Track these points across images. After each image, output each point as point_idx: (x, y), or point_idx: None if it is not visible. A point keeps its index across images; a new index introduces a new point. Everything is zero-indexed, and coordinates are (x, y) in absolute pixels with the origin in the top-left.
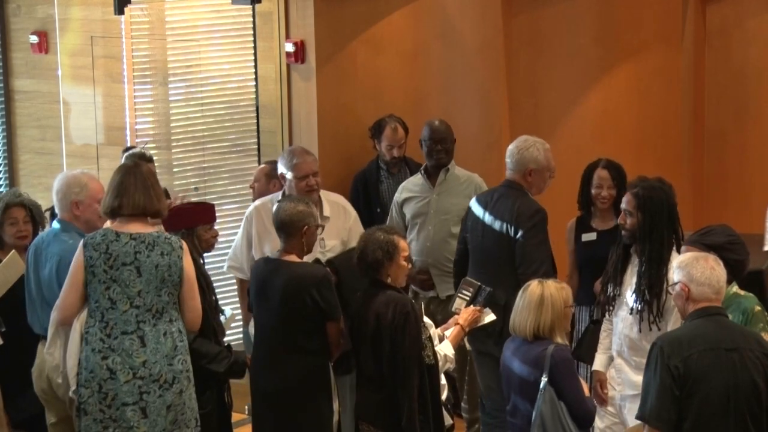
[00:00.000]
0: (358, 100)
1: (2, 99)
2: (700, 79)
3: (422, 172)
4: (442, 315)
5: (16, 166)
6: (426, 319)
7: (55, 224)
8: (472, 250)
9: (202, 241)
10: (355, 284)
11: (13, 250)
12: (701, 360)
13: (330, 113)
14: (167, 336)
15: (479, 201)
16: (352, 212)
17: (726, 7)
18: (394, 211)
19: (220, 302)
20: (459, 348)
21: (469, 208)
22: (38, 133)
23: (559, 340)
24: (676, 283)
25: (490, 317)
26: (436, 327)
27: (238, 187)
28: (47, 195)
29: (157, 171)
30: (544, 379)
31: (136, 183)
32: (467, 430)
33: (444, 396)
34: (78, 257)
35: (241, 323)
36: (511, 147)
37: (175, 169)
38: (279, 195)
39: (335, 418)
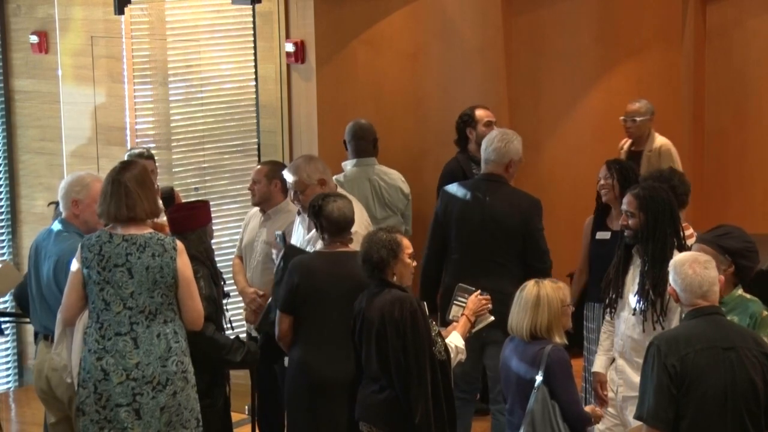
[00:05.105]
0: (358, 100)
1: (2, 99)
2: (700, 79)
3: None
4: None
5: (16, 166)
6: None
7: (57, 224)
8: (461, 244)
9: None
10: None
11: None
12: (698, 359)
13: (330, 113)
14: (161, 337)
15: (468, 191)
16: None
17: (726, 7)
18: None
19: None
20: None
21: (449, 202)
22: (38, 133)
23: (557, 339)
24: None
25: (487, 320)
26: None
27: (238, 187)
28: (47, 195)
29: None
30: (538, 378)
31: (110, 191)
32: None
33: None
34: (77, 258)
35: (242, 323)
36: (490, 141)
37: (175, 169)
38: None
39: None
